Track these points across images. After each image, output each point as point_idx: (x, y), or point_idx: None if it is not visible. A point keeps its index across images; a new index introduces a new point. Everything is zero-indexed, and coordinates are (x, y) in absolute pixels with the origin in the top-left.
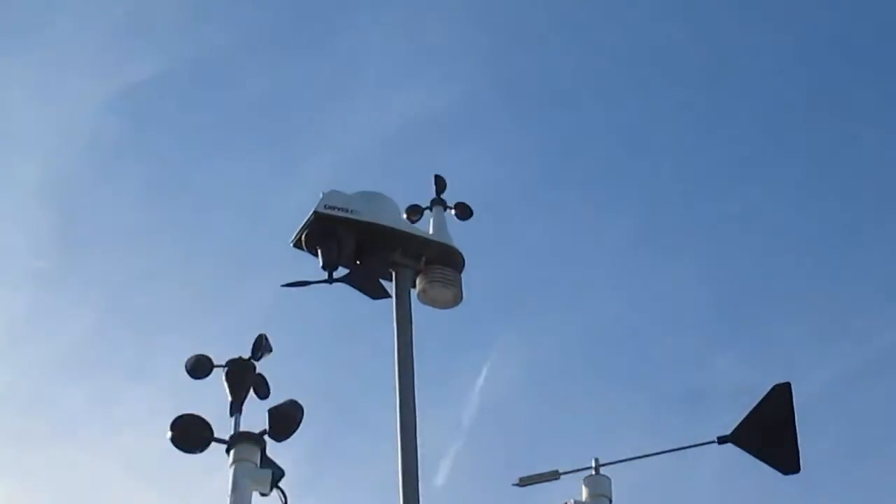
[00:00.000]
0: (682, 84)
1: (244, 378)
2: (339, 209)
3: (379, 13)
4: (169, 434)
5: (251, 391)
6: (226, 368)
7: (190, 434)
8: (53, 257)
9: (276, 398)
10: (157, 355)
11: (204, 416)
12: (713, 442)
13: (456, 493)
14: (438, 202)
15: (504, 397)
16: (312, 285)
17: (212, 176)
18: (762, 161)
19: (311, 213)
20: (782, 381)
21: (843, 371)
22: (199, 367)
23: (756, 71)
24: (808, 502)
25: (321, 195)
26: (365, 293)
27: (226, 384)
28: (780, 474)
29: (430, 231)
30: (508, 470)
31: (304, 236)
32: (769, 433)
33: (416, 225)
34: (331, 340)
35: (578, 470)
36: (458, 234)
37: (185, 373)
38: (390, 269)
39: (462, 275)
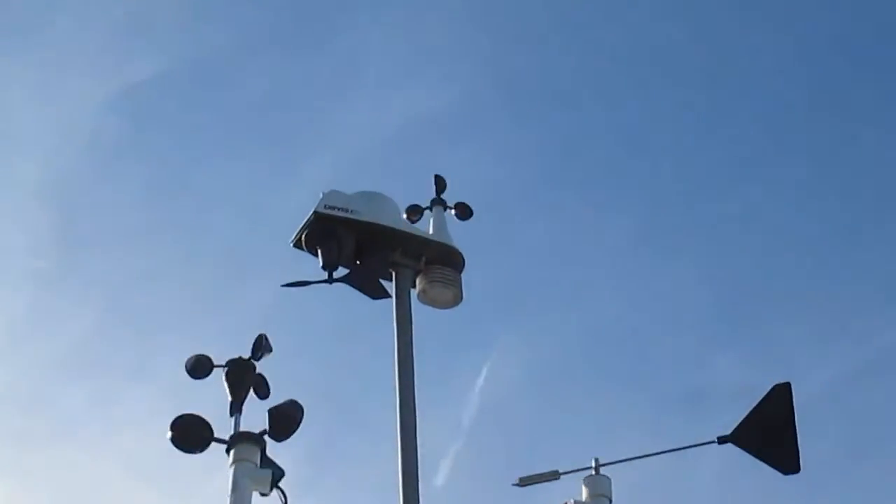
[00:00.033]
0: (683, 84)
1: (244, 378)
2: (339, 209)
3: (379, 13)
4: (169, 434)
5: (251, 391)
6: (226, 368)
7: (190, 434)
8: (53, 257)
9: (276, 398)
10: (157, 355)
11: (204, 416)
12: (713, 442)
13: (456, 493)
14: (438, 202)
15: (504, 397)
16: (312, 285)
17: (212, 176)
18: (762, 161)
19: (311, 213)
20: (782, 380)
21: (844, 371)
22: (199, 367)
23: (756, 71)
24: (809, 503)
25: (321, 195)
26: (365, 293)
27: (226, 384)
28: (780, 474)
29: (430, 231)
30: (508, 470)
31: (304, 236)
32: (769, 433)
33: (416, 225)
34: (331, 340)
35: (578, 470)
36: (458, 234)
37: (185, 373)
38: (390, 270)
39: (462, 275)
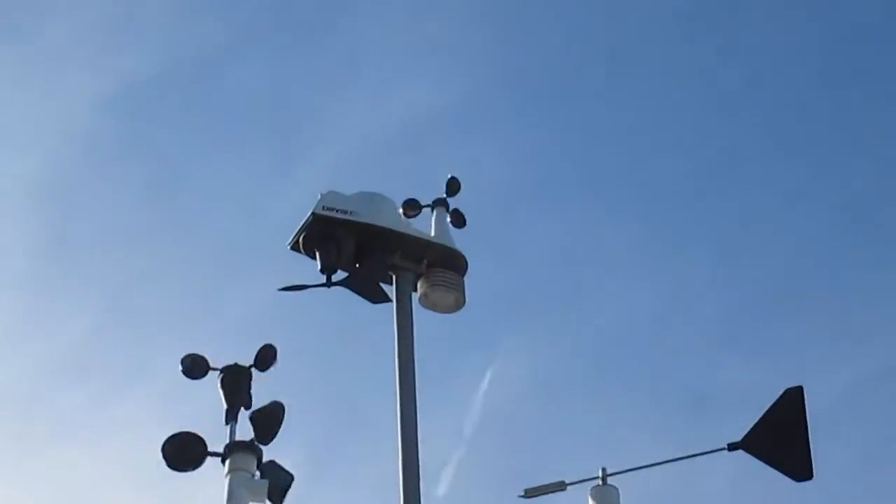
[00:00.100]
0: (683, 84)
1: (241, 385)
2: (337, 210)
3: (379, 9)
4: (161, 457)
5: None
6: (221, 374)
7: (184, 453)
8: (52, 258)
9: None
10: (156, 356)
11: (196, 431)
12: (723, 449)
13: (458, 503)
14: (441, 202)
15: (508, 403)
16: (310, 289)
17: (210, 175)
18: (763, 161)
19: (310, 214)
20: (794, 384)
21: (858, 375)
22: (195, 368)
23: (756, 71)
24: None
25: (319, 196)
26: (365, 297)
27: (220, 391)
28: (792, 481)
29: (432, 233)
30: (513, 479)
31: (301, 238)
32: (781, 439)
33: (415, 225)
34: (331, 343)
35: (585, 480)
36: (460, 236)
37: (181, 373)
38: (390, 273)
39: (464, 278)
